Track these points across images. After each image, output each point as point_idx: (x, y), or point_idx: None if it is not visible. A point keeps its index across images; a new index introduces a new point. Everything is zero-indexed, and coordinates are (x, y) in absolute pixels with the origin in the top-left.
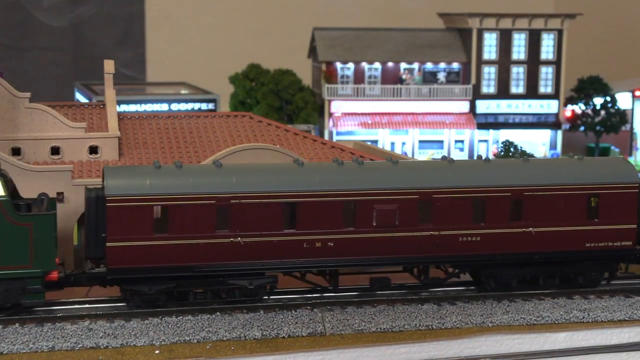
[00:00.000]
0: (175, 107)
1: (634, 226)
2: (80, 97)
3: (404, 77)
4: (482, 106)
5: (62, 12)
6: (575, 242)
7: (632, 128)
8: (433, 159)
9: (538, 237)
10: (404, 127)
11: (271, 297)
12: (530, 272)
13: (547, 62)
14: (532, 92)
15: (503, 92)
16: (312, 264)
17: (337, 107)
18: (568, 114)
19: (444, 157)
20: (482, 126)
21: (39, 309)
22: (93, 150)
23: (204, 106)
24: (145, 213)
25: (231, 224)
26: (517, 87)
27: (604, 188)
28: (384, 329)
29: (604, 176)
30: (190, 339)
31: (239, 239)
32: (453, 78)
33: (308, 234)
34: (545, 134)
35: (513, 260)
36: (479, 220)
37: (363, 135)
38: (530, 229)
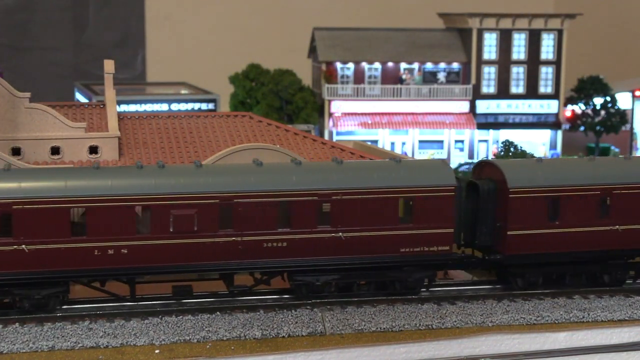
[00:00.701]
0: (175, 107)
1: (451, 230)
2: (80, 97)
3: (404, 77)
4: (482, 106)
5: None
6: (389, 247)
7: (632, 128)
8: (433, 157)
9: (348, 242)
10: (404, 127)
11: (64, 306)
12: (343, 278)
13: (547, 62)
14: (532, 92)
15: (503, 92)
16: (103, 272)
17: (337, 107)
18: (568, 114)
19: (254, 160)
20: (482, 126)
21: None
22: (93, 150)
23: (204, 106)
24: None
25: (15, 231)
26: (517, 87)
27: (418, 191)
28: (384, 328)
29: (419, 179)
30: (190, 339)
31: (24, 246)
32: (453, 78)
33: (99, 240)
34: (545, 134)
35: (323, 266)
36: (285, 225)
37: (363, 135)
38: (340, 234)
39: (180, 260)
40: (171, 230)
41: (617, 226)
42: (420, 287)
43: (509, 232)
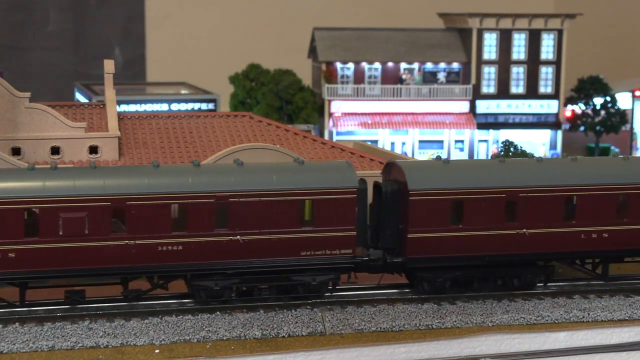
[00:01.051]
0: (175, 107)
1: (354, 233)
2: (80, 97)
3: (404, 77)
4: (482, 106)
5: None
6: (290, 250)
7: (632, 128)
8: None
9: (247, 245)
10: (404, 127)
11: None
12: (243, 283)
13: (547, 62)
14: (532, 92)
15: (503, 92)
16: None
17: (337, 107)
18: (568, 114)
19: (153, 162)
20: (482, 126)
21: None
22: (93, 150)
23: (204, 106)
24: None
25: None
26: (517, 87)
27: (318, 193)
28: (384, 328)
29: (320, 181)
30: (190, 339)
31: None
32: (453, 78)
33: None
34: (545, 134)
35: (221, 270)
36: (180, 228)
37: (363, 135)
38: (238, 237)
39: (71, 264)
40: (61, 233)
41: (524, 230)
42: (325, 291)
43: (409, 235)
